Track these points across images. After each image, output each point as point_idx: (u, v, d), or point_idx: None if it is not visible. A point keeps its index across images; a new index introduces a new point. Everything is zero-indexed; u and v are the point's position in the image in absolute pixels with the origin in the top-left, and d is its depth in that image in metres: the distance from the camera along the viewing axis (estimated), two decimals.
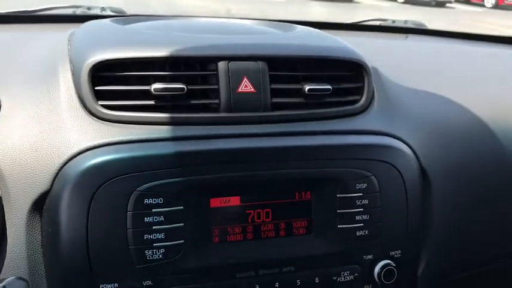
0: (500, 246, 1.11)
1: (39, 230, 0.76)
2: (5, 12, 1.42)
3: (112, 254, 0.73)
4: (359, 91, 0.91)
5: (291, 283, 0.81)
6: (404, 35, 1.73)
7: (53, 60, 0.86)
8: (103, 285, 0.73)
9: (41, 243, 0.76)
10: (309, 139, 0.84)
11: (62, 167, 0.75)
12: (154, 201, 0.74)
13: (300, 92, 0.86)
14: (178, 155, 0.76)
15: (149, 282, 0.75)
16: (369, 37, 1.63)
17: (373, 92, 0.94)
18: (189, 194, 0.76)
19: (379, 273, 0.84)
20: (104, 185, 0.72)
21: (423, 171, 0.92)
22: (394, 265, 0.85)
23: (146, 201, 0.74)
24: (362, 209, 0.84)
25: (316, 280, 0.82)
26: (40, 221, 0.76)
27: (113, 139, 0.76)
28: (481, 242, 1.06)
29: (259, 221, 0.81)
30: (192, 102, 0.81)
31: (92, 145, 0.76)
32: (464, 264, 1.09)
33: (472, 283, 1.26)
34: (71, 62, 0.84)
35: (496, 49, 1.58)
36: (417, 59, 1.35)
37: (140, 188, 0.74)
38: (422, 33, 1.80)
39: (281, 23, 1.15)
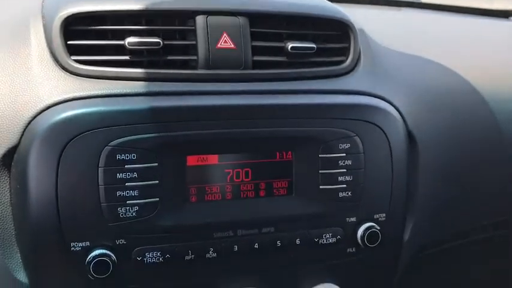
0: (487, 215, 1.09)
1: (7, 187, 0.73)
2: None
3: (83, 211, 0.71)
4: (344, 52, 0.88)
5: (271, 244, 0.78)
6: (398, 8, 1.69)
7: (25, 16, 0.83)
8: (74, 244, 0.71)
9: (10, 201, 0.73)
10: (290, 98, 0.81)
11: (30, 121, 0.72)
12: (127, 157, 0.71)
13: (282, 51, 0.83)
14: (153, 110, 0.73)
15: (122, 241, 0.72)
16: (361, 8, 1.60)
17: (360, 53, 0.91)
18: (164, 150, 0.73)
19: (362, 236, 0.82)
20: (73, 140, 0.70)
21: (410, 134, 0.89)
22: (379, 228, 0.82)
23: (118, 156, 0.71)
24: (345, 170, 0.81)
25: (297, 242, 0.80)
26: (8, 177, 0.73)
27: (85, 93, 0.73)
28: (468, 210, 1.04)
29: (238, 180, 0.78)
30: (169, 58, 0.78)
31: (62, 99, 0.72)
32: (451, 233, 1.07)
33: (458, 254, 1.25)
34: (43, 16, 0.80)
35: (488, 20, 1.55)
36: (408, 27, 1.32)
37: (112, 143, 0.71)
38: (418, 7, 1.77)
39: None
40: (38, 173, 0.70)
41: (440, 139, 0.95)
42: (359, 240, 0.82)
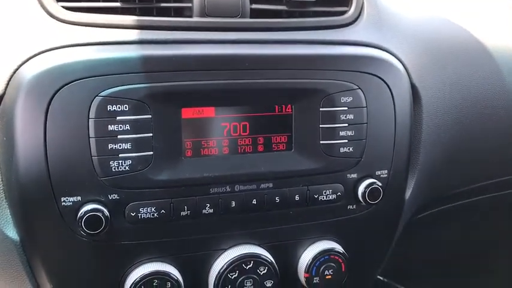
0: (490, 174, 1.06)
1: None
2: None
3: (73, 165, 0.67)
4: (347, 2, 0.84)
5: (270, 201, 0.76)
6: None
7: None
8: (64, 199, 0.68)
9: None
10: (290, 48, 0.77)
11: (16, 70, 0.68)
12: (119, 108, 0.68)
13: None
14: (145, 59, 0.69)
15: (115, 196, 0.69)
16: None
17: (363, 3, 0.86)
18: (157, 102, 0.69)
19: (363, 193, 0.79)
20: (62, 89, 0.66)
21: (413, 88, 0.86)
22: (380, 185, 0.80)
23: (110, 107, 0.67)
24: (346, 125, 0.78)
25: (296, 198, 0.77)
26: None
27: (73, 41, 0.69)
28: (471, 168, 1.01)
29: (235, 134, 0.75)
30: (162, 5, 0.74)
31: (50, 47, 0.68)
32: (452, 193, 1.05)
33: (458, 216, 1.23)
34: None
35: None
36: None
37: (103, 93, 0.67)
38: None
39: None
40: (25, 125, 0.66)
41: (444, 94, 0.91)
42: (360, 197, 0.80)
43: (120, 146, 0.68)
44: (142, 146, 0.69)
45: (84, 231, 0.67)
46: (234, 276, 0.75)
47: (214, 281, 0.74)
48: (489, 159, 1.02)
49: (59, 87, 0.66)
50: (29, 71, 0.67)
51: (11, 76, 0.68)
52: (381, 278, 2.20)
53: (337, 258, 0.80)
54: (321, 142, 0.77)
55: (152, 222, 0.71)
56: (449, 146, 0.94)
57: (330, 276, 0.80)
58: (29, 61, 0.68)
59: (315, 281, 0.79)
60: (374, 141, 0.80)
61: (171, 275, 0.72)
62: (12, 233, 0.72)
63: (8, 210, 0.72)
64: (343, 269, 0.80)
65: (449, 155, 0.94)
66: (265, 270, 0.76)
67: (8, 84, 0.68)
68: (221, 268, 0.74)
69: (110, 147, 0.68)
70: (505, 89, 1.00)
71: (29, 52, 0.68)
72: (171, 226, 0.73)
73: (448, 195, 1.05)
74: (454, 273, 2.08)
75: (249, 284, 0.75)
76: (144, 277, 0.71)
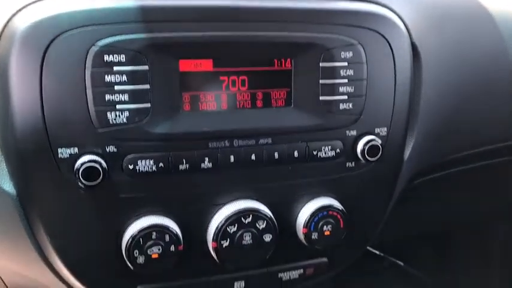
0: (489, 138, 1.06)
1: None
2: None
3: (70, 116, 0.67)
4: None
5: (268, 156, 0.76)
6: None
7: None
8: (61, 150, 0.67)
9: None
10: (291, 1, 0.75)
11: (9, 21, 0.67)
12: (116, 58, 0.67)
13: None
14: (144, 9, 0.68)
15: (113, 148, 0.69)
16: None
17: None
18: (155, 53, 0.68)
19: (362, 150, 0.79)
20: (57, 38, 0.65)
21: (413, 47, 0.85)
22: (379, 142, 0.79)
23: (106, 58, 0.66)
24: (346, 80, 0.77)
25: (295, 154, 0.77)
26: None
27: None
28: (470, 131, 1.01)
29: (234, 89, 0.74)
30: None
31: None
32: (451, 157, 1.04)
33: (457, 180, 1.24)
34: None
35: None
36: None
37: (99, 43, 0.66)
38: None
39: None
40: (20, 77, 0.65)
41: (444, 55, 0.90)
42: (359, 154, 0.79)
43: (117, 97, 0.68)
44: (139, 97, 0.68)
45: (82, 183, 0.67)
46: (233, 230, 0.75)
47: (213, 235, 0.74)
48: (489, 123, 1.02)
49: (54, 36, 0.65)
50: (22, 22, 0.65)
51: (4, 27, 0.67)
52: (376, 251, 2.23)
53: (335, 214, 0.80)
54: (320, 98, 0.77)
55: (150, 176, 0.71)
56: (449, 108, 0.93)
57: (328, 233, 0.80)
58: (22, 11, 0.66)
59: (313, 237, 0.79)
60: (373, 98, 0.80)
61: (170, 228, 0.72)
62: (8, 186, 0.71)
63: (4, 164, 0.71)
64: (341, 226, 0.80)
65: (449, 116, 0.94)
66: (264, 224, 0.76)
67: (0, 35, 0.67)
68: (220, 222, 0.74)
69: (107, 98, 0.67)
70: (505, 53, 1.00)
71: (21, 2, 0.67)
72: (169, 180, 0.72)
73: (447, 160, 1.05)
74: (447, 247, 2.11)
75: (247, 237, 0.75)
76: (142, 230, 0.71)
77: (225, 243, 0.75)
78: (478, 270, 1.99)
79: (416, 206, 1.34)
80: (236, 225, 0.75)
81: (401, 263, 2.20)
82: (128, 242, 0.71)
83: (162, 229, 0.72)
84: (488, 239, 1.92)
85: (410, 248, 2.20)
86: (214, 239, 0.75)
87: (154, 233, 0.71)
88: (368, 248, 2.22)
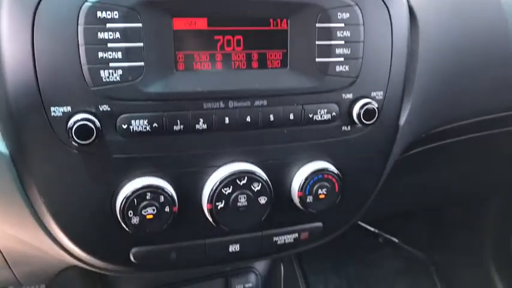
0: (486, 109, 1.06)
1: None
2: None
3: (62, 74, 0.66)
4: None
5: (264, 118, 0.75)
6: None
7: None
8: (54, 109, 0.66)
9: None
10: None
11: None
12: (109, 15, 0.66)
13: None
14: None
15: (106, 107, 0.68)
16: None
17: None
18: (148, 10, 0.67)
19: (358, 113, 0.78)
20: None
21: (411, 10, 0.84)
22: (376, 105, 0.79)
23: (99, 14, 0.65)
24: (343, 42, 0.76)
25: (291, 117, 0.76)
26: None
27: None
28: (468, 101, 1.00)
29: (229, 49, 0.73)
30: None
31: None
32: (448, 127, 1.04)
33: (449, 157, 1.24)
34: None
35: None
36: None
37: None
38: None
39: None
40: (11, 31, 0.64)
41: (442, 20, 0.90)
42: (355, 118, 0.79)
43: (110, 54, 0.66)
44: (133, 55, 0.67)
45: (75, 142, 0.66)
46: (227, 191, 0.74)
47: (208, 196, 0.74)
48: (488, 92, 1.01)
49: None
50: None
51: None
52: (371, 228, 2.24)
53: (330, 177, 0.79)
54: (316, 60, 0.76)
55: (144, 136, 0.70)
56: (446, 74, 0.93)
57: (323, 196, 0.79)
58: None
59: (308, 200, 0.79)
60: (370, 60, 0.79)
61: (164, 189, 0.72)
62: (1, 146, 0.70)
63: None
64: (336, 189, 0.80)
65: (446, 83, 0.93)
66: (259, 186, 0.76)
67: None
68: (215, 183, 0.74)
69: (100, 55, 0.66)
70: (505, 20, 0.99)
71: None
72: (164, 141, 0.72)
73: (444, 130, 1.05)
74: (441, 223, 2.12)
75: (242, 199, 0.75)
76: (136, 191, 0.70)
77: (220, 205, 0.75)
78: (472, 246, 2.01)
79: (411, 179, 1.34)
80: (231, 187, 0.74)
81: (396, 240, 2.22)
82: (122, 203, 0.70)
83: (156, 190, 0.71)
84: (481, 214, 1.93)
85: (404, 225, 2.22)
86: (209, 201, 0.74)
87: (148, 194, 0.71)
88: (363, 224, 2.25)
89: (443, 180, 1.49)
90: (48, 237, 0.77)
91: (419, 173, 1.33)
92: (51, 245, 0.78)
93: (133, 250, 0.77)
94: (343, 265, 2.10)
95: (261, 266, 1.09)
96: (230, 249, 0.82)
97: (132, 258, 0.78)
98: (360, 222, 2.22)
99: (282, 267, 1.11)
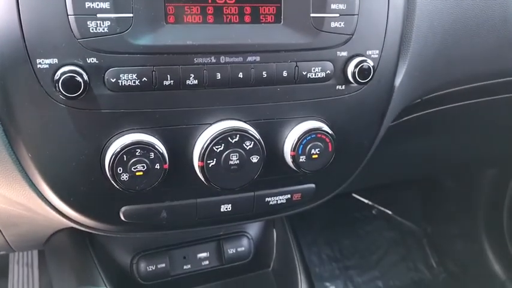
0: (481, 75, 1.04)
1: None
2: None
3: (48, 24, 0.63)
4: None
5: (256, 75, 0.73)
6: None
7: None
8: (40, 61, 0.64)
9: None
10: None
11: None
12: None
13: None
14: None
15: (94, 60, 0.66)
16: None
17: None
18: None
19: (353, 72, 0.77)
20: None
21: None
22: (371, 64, 0.77)
23: None
24: None
25: (284, 74, 0.74)
26: None
27: None
28: (463, 66, 0.98)
29: (221, 1, 0.71)
30: None
31: None
32: (443, 93, 1.03)
33: (442, 125, 1.23)
34: None
35: None
36: None
37: None
38: None
39: None
40: None
41: None
42: (349, 77, 0.77)
43: (97, 5, 0.64)
44: (121, 6, 0.65)
45: (62, 95, 0.64)
46: (219, 149, 0.73)
47: (199, 154, 0.73)
48: (486, 54, 1.00)
49: None
50: None
51: None
52: (365, 200, 2.25)
53: (324, 137, 0.78)
54: (311, 15, 0.74)
55: (134, 90, 0.68)
56: (444, 35, 0.91)
57: (316, 156, 0.78)
58: None
59: (301, 160, 0.78)
60: (366, 17, 0.77)
61: (155, 145, 0.70)
62: None
63: None
64: (329, 150, 0.79)
65: (443, 44, 0.91)
66: (251, 145, 0.74)
67: None
68: (206, 141, 0.72)
69: (87, 5, 0.64)
70: None
71: None
72: (154, 96, 0.70)
73: (438, 95, 1.03)
74: (434, 195, 2.13)
75: (234, 158, 0.74)
76: (125, 147, 0.69)
77: (212, 163, 0.73)
78: (465, 218, 2.02)
79: (404, 146, 1.33)
80: (223, 144, 0.73)
81: (389, 212, 2.23)
82: (111, 159, 0.69)
83: (146, 146, 0.70)
84: (475, 186, 1.94)
85: (398, 197, 2.23)
86: (200, 159, 0.73)
87: (138, 150, 0.69)
88: (357, 196, 2.26)
89: (436, 149, 1.48)
90: (36, 195, 0.76)
91: (412, 141, 1.32)
92: (40, 204, 0.77)
93: (124, 209, 0.76)
94: (337, 237, 2.11)
95: (253, 230, 1.09)
96: (222, 209, 0.81)
97: (122, 216, 0.77)
98: (353, 194, 2.24)
99: (275, 232, 1.10)
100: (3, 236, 1.03)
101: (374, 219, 2.20)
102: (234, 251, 1.06)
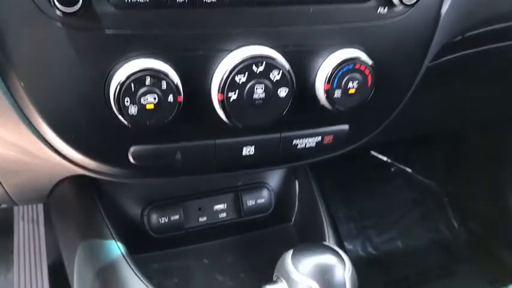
0: None
1: None
2: None
3: None
4: None
5: None
6: None
7: None
8: None
9: None
10: None
11: None
12: None
13: None
14: None
15: None
16: None
17: None
18: None
19: None
20: None
21: None
22: None
23: None
24: None
25: None
26: None
27: None
28: None
29: None
30: None
31: None
32: (492, 24, 0.91)
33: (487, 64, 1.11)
34: None
35: None
36: None
37: None
38: None
39: None
40: None
41: None
42: None
43: None
44: None
45: (58, 9, 0.54)
46: (242, 80, 0.62)
47: (219, 85, 0.62)
48: None
49: None
50: None
51: None
52: (384, 158, 2.15)
53: (363, 68, 0.67)
54: None
55: (142, 8, 0.58)
56: None
57: (353, 91, 0.68)
58: None
59: (335, 95, 0.67)
60: None
61: (168, 74, 0.60)
62: None
63: None
64: (369, 83, 0.68)
65: None
66: (279, 75, 0.64)
67: None
68: (227, 69, 0.62)
69: None
70: None
71: None
72: (165, 14, 0.59)
73: (481, 34, 0.92)
74: (457, 153, 2.03)
75: (259, 90, 0.63)
76: (133, 74, 0.59)
77: (233, 96, 0.63)
78: (490, 177, 1.92)
79: (437, 94, 1.23)
80: (246, 74, 0.62)
81: (409, 170, 2.14)
82: (116, 88, 0.59)
83: (157, 74, 0.59)
84: (502, 142, 1.83)
85: (418, 154, 2.13)
86: (221, 90, 0.63)
87: (148, 79, 0.59)
88: (375, 154, 2.16)
89: (470, 99, 1.37)
90: (32, 133, 0.66)
91: (446, 88, 1.21)
92: (37, 143, 0.67)
93: (133, 149, 0.67)
94: (354, 196, 2.03)
95: (274, 181, 0.99)
96: (243, 152, 0.71)
97: (131, 158, 0.67)
98: (371, 151, 2.14)
99: (297, 184, 1.01)
100: (3, 187, 0.95)
101: (393, 178, 2.11)
102: (254, 203, 0.96)
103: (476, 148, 1.94)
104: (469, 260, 1.93)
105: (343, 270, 0.61)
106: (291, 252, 0.65)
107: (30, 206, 1.55)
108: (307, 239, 0.97)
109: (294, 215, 1.02)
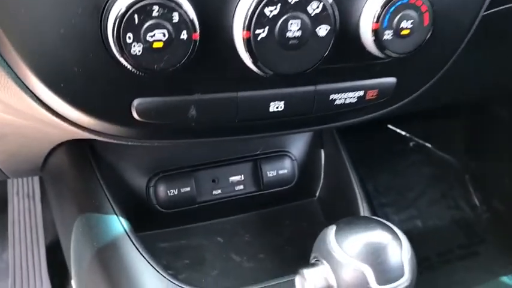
0: None
1: None
2: None
3: None
4: None
5: None
6: None
7: None
8: None
9: None
10: None
11: None
12: None
13: None
14: None
15: None
16: None
17: None
18: None
19: None
20: None
21: None
22: None
23: None
24: None
25: None
26: None
27: None
28: None
29: None
30: None
31: None
32: None
33: None
34: None
35: None
36: None
37: None
38: None
39: None
40: None
41: None
42: None
43: None
44: None
45: None
46: (273, 13, 0.50)
47: (244, 20, 0.50)
48: None
49: None
50: None
51: None
52: (402, 132, 2.04)
53: (419, 4, 0.54)
54: None
55: None
56: None
57: (407, 31, 0.55)
58: None
59: (385, 37, 0.55)
60: None
61: (181, 4, 0.47)
62: None
63: None
64: (425, 22, 0.56)
65: None
66: (319, 8, 0.51)
67: None
68: (253, 0, 0.49)
69: None
70: None
71: None
72: None
73: None
74: (479, 128, 1.91)
75: (294, 27, 0.51)
76: (135, 2, 0.46)
77: (262, 34, 0.50)
78: None
79: (486, 52, 1.10)
80: (279, 5, 0.50)
81: (429, 145, 2.02)
82: (116, 20, 0.46)
83: (167, 3, 0.47)
84: None
85: (438, 128, 2.01)
86: (246, 27, 0.50)
87: (156, 8, 0.47)
88: (392, 128, 2.04)
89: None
90: (12, 81, 0.54)
91: (497, 45, 1.08)
92: (26, 100, 0.55)
93: (137, 102, 0.55)
94: (371, 172, 1.92)
95: (297, 150, 0.87)
96: (271, 108, 0.59)
97: (134, 113, 0.55)
98: (389, 125, 2.02)
99: (323, 153, 0.89)
100: None
101: (412, 153, 2.00)
102: (275, 174, 0.85)
103: (503, 122, 1.83)
104: (491, 240, 1.84)
105: (400, 251, 0.49)
106: (334, 227, 0.53)
107: (25, 181, 1.44)
108: (336, 217, 0.85)
109: (319, 189, 0.91)
